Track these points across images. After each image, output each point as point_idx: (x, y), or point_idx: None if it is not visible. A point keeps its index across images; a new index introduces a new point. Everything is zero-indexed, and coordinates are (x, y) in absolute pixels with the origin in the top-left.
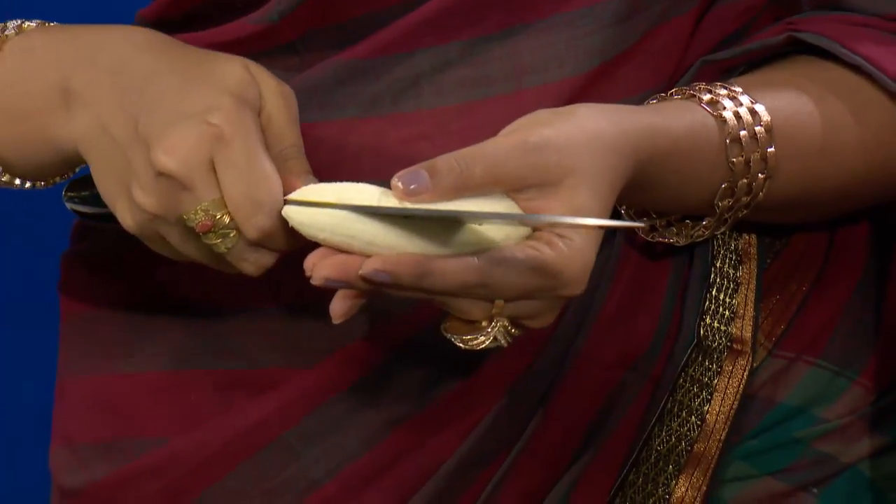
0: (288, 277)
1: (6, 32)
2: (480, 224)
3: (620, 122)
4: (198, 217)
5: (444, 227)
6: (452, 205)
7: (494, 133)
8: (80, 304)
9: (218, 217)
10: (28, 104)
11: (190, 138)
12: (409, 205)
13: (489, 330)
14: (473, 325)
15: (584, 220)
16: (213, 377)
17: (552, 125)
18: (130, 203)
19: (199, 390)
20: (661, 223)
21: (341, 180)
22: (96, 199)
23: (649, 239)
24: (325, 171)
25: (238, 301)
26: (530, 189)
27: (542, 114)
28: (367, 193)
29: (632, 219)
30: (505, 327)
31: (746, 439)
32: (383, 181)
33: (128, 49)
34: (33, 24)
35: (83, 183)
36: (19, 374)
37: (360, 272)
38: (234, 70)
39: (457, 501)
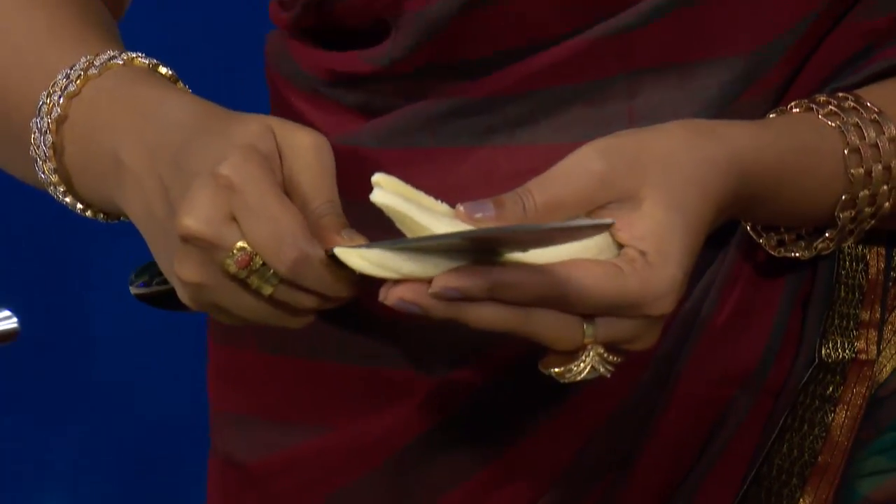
0: None
1: (90, 72)
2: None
3: (716, 133)
4: (234, 256)
5: (499, 251)
6: None
7: None
8: None
9: (254, 254)
10: (92, 163)
11: (203, 197)
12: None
13: (584, 358)
14: (568, 357)
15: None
16: (346, 372)
17: (624, 135)
18: (176, 279)
19: (330, 383)
20: (789, 237)
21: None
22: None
23: (775, 254)
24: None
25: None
26: (610, 206)
27: (626, 130)
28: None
29: (759, 235)
30: (600, 354)
31: (884, 433)
32: None
33: (171, 123)
34: (119, 60)
35: (146, 269)
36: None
37: (430, 290)
38: (248, 125)
39: None
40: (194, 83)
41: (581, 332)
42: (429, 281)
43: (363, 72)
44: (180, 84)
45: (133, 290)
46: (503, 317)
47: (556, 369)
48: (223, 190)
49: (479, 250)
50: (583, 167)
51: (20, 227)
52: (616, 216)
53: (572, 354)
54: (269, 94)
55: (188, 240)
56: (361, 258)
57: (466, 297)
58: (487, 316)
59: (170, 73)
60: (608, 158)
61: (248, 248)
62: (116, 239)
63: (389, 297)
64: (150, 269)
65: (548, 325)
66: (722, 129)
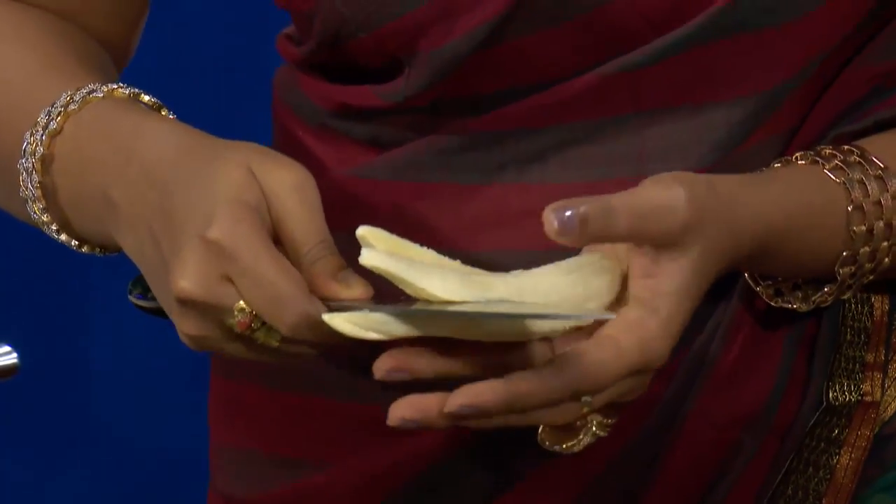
0: None
1: (70, 107)
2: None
3: (735, 195)
4: (236, 318)
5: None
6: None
7: None
8: None
9: (255, 315)
10: (84, 201)
11: (195, 261)
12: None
13: (585, 429)
14: (568, 430)
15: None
16: (347, 409)
17: (707, 183)
18: (178, 328)
19: (334, 419)
20: (786, 286)
21: (458, 247)
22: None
23: (772, 304)
24: (442, 236)
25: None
26: (667, 249)
27: (690, 175)
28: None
29: (756, 283)
30: (599, 422)
31: (889, 470)
32: (500, 251)
33: (153, 158)
34: (100, 94)
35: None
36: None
37: (446, 410)
38: (231, 175)
39: None
40: (197, 117)
41: (580, 408)
42: (422, 340)
43: (376, 106)
44: (164, 111)
45: (132, 300)
46: (510, 419)
47: (560, 446)
48: (214, 254)
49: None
50: (673, 211)
51: (19, 263)
52: (660, 262)
53: (571, 427)
54: (272, 129)
55: (184, 302)
56: (350, 323)
57: (483, 415)
58: (496, 420)
59: (153, 100)
60: (695, 209)
61: (248, 309)
62: (115, 273)
63: (391, 419)
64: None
65: (548, 412)
66: (731, 187)
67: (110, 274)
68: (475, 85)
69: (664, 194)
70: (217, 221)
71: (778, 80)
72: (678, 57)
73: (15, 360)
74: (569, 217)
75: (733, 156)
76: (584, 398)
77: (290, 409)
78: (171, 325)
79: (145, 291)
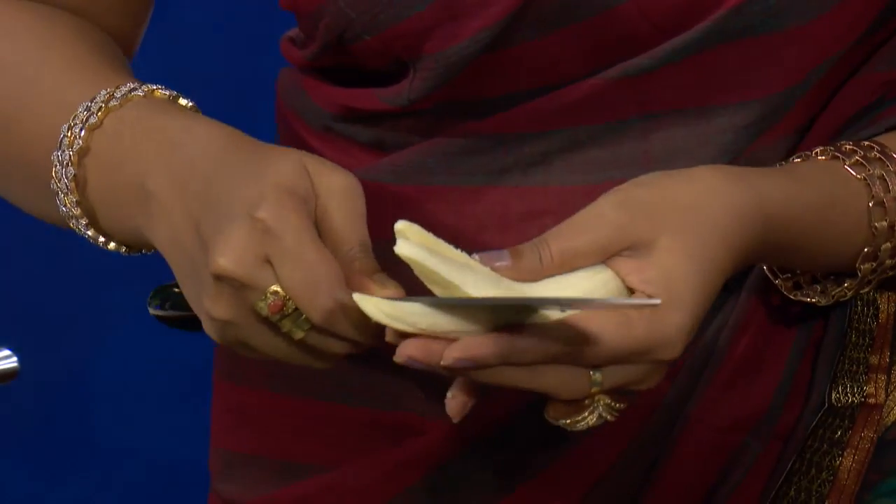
0: None
1: (111, 103)
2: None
3: (745, 180)
4: (268, 300)
5: (522, 310)
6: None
7: None
8: None
9: (287, 299)
10: (116, 194)
11: (239, 238)
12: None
13: (592, 408)
14: (575, 406)
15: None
16: (351, 414)
17: (647, 184)
18: (205, 314)
19: (339, 424)
20: (805, 280)
21: (462, 249)
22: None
23: (791, 297)
24: (446, 238)
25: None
26: (623, 253)
27: (650, 174)
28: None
29: (775, 276)
30: (607, 403)
31: (891, 475)
32: None
33: (198, 152)
34: (140, 92)
35: (165, 290)
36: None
37: (443, 363)
38: (284, 164)
39: None
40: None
41: (588, 382)
42: (443, 338)
43: (380, 109)
44: (200, 114)
45: (151, 312)
46: (512, 375)
47: (565, 420)
48: (259, 232)
49: (503, 308)
50: (600, 217)
51: (20, 266)
52: (628, 262)
53: (578, 403)
54: (276, 132)
55: (221, 279)
56: (377, 308)
57: (480, 367)
58: (496, 375)
59: (190, 104)
60: (626, 209)
61: (282, 293)
62: (116, 278)
63: (399, 356)
64: (165, 291)
65: (555, 378)
66: (750, 177)
67: (111, 278)
68: (480, 88)
69: (590, 208)
70: (266, 203)
71: (784, 85)
72: (684, 61)
73: (15, 364)
74: (500, 252)
75: (739, 160)
76: (593, 375)
77: (295, 413)
78: (172, 330)
79: (163, 303)
